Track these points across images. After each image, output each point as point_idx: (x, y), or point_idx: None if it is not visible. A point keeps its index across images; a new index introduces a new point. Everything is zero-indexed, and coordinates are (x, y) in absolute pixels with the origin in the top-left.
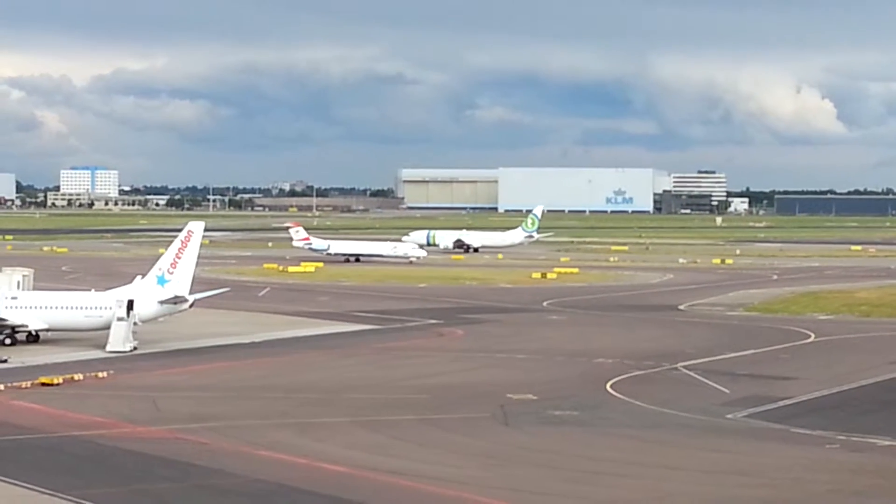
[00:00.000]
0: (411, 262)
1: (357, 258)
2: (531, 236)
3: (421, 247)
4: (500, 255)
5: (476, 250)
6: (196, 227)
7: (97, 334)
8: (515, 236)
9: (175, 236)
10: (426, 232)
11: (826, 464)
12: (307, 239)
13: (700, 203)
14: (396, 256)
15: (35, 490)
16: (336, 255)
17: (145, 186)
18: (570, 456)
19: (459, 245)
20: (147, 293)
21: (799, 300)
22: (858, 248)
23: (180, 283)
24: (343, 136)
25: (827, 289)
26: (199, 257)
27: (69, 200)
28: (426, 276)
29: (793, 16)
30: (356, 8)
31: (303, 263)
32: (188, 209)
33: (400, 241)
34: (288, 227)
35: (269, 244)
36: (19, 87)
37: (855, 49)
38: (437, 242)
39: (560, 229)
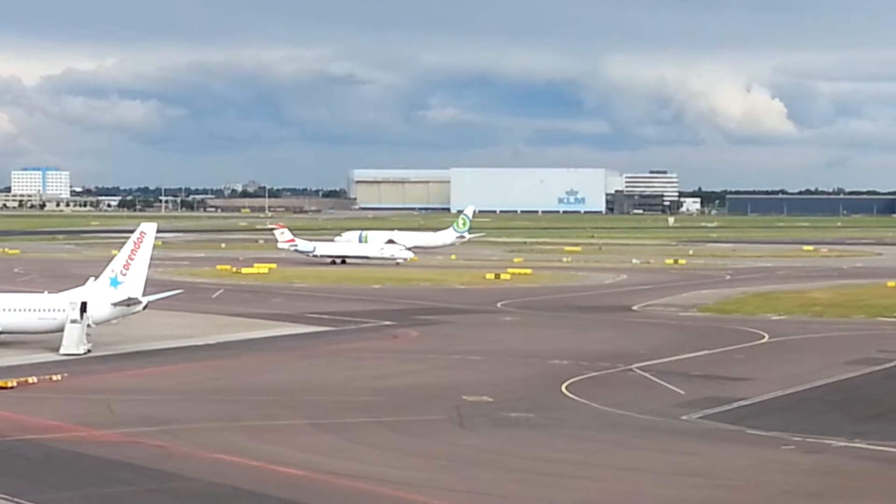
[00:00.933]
0: (398, 264)
1: (343, 260)
2: (462, 236)
3: None
4: (453, 256)
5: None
6: (148, 229)
7: (51, 337)
8: (447, 237)
9: (127, 238)
10: (358, 233)
11: (781, 465)
12: (292, 240)
13: (652, 203)
14: (383, 258)
15: None
16: (322, 256)
17: (97, 187)
18: (525, 458)
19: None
20: (100, 295)
21: (752, 300)
22: (810, 248)
23: (133, 285)
24: (295, 137)
25: (780, 289)
26: (151, 259)
27: (20, 202)
28: (380, 277)
29: (743, 16)
30: (307, 8)
31: (256, 265)
32: (140, 210)
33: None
34: (273, 229)
35: (223, 245)
36: None
37: (805, 49)
38: (368, 242)
39: (512, 230)
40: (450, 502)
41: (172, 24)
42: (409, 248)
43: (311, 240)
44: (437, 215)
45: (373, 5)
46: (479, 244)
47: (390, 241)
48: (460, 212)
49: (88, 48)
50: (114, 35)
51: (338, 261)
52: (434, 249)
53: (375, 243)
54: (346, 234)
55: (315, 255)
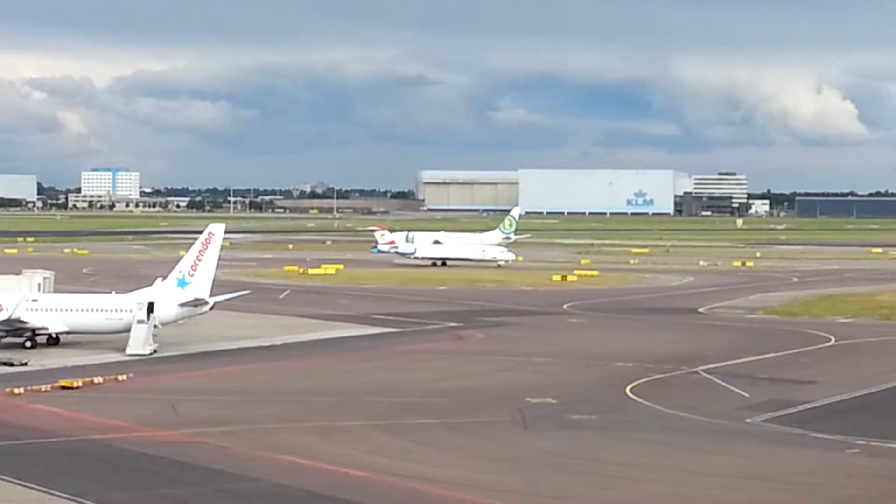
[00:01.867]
0: (499, 266)
1: (444, 262)
2: (508, 238)
3: None
4: (520, 258)
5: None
6: (216, 229)
7: (117, 337)
8: (493, 238)
9: (195, 238)
10: (405, 233)
11: (845, 468)
12: (393, 242)
13: (721, 205)
14: (485, 260)
15: (54, 495)
16: (423, 258)
17: (166, 188)
18: (589, 460)
19: None
20: (167, 296)
21: (819, 303)
22: (879, 250)
23: (200, 286)
24: (363, 138)
25: (847, 292)
26: (219, 259)
27: (90, 202)
28: (446, 278)
29: (813, 16)
30: (376, 9)
31: (323, 266)
32: (209, 211)
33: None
34: (374, 231)
35: (290, 246)
36: (40, 88)
37: (876, 50)
38: (414, 243)
39: (581, 231)
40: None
41: (242, 26)
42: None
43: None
44: (506, 216)
45: (441, 7)
46: (547, 246)
47: (436, 242)
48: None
49: (159, 49)
50: (185, 36)
51: (438, 263)
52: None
53: (424, 243)
54: (376, 235)
55: (416, 258)
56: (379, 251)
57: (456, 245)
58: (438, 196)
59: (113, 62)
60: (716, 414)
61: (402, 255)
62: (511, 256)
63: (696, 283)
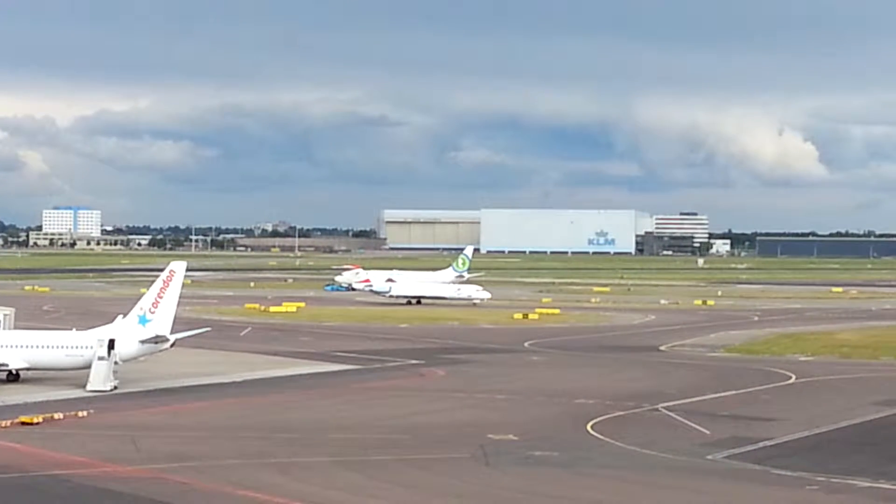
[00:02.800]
0: (475, 305)
1: (419, 300)
2: (462, 276)
3: (352, 288)
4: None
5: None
6: (178, 267)
7: (78, 373)
8: (446, 276)
9: (157, 276)
10: (357, 272)
11: None
12: (367, 280)
13: (682, 245)
14: (460, 299)
15: None
16: (397, 297)
17: (127, 226)
18: (550, 497)
19: None
20: (128, 332)
21: (780, 341)
22: (840, 290)
23: (162, 323)
24: (326, 178)
25: (808, 330)
26: (180, 297)
27: (51, 240)
28: (408, 316)
29: (775, 60)
30: (339, 50)
31: (284, 303)
32: (170, 249)
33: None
34: (348, 269)
35: (252, 284)
36: (2, 127)
37: (837, 92)
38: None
39: (542, 270)
40: None
41: (205, 66)
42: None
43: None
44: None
45: (405, 48)
46: (508, 285)
47: (390, 280)
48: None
49: (122, 89)
50: (147, 76)
51: (413, 301)
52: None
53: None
54: (346, 274)
55: (390, 296)
56: (335, 289)
57: (431, 284)
58: (400, 235)
59: (75, 102)
60: (677, 451)
61: (378, 293)
62: (487, 295)
63: (657, 321)
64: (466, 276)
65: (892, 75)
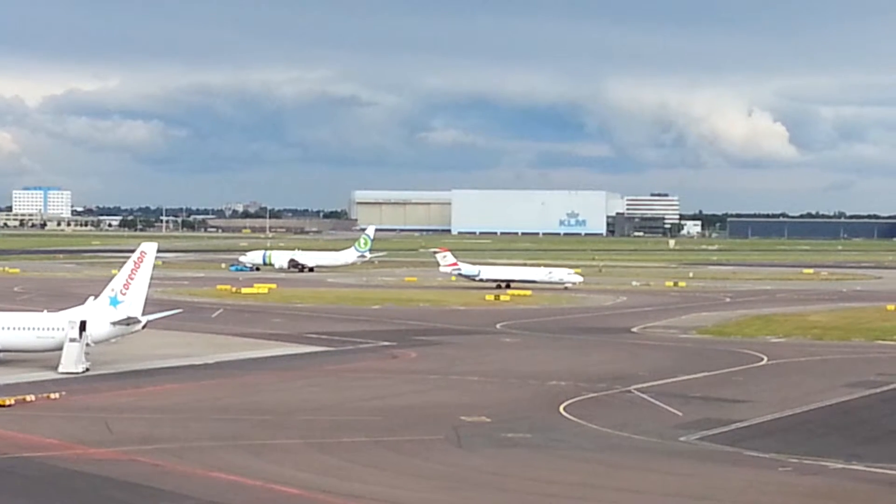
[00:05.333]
0: (566, 289)
1: (508, 284)
2: (364, 256)
3: (257, 267)
4: (453, 277)
5: (311, 269)
6: (149, 249)
7: (49, 355)
8: (348, 256)
9: (128, 257)
10: (262, 252)
11: (778, 486)
12: (455, 264)
13: (653, 226)
14: (551, 283)
15: None
16: (487, 280)
17: (98, 207)
18: (522, 479)
19: (294, 264)
20: (100, 314)
21: (752, 323)
22: (810, 271)
23: (133, 305)
24: (297, 158)
25: (779, 312)
26: (151, 278)
27: (21, 221)
28: (380, 297)
29: (745, 40)
30: (310, 30)
31: (256, 285)
32: (141, 230)
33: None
34: (435, 253)
35: (223, 265)
36: None
37: (807, 73)
38: (272, 262)
39: (513, 251)
40: None
41: (175, 46)
42: (312, 268)
43: (472, 263)
44: (438, 237)
45: (375, 28)
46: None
47: (293, 261)
48: (362, 230)
49: (91, 69)
50: (117, 56)
51: (503, 285)
52: (336, 268)
53: (278, 262)
54: (250, 254)
55: (480, 279)
56: (239, 269)
57: (519, 268)
58: (371, 216)
59: (44, 81)
60: (649, 432)
61: (466, 276)
62: (579, 279)
63: (628, 302)
64: (368, 255)
65: (861, 56)
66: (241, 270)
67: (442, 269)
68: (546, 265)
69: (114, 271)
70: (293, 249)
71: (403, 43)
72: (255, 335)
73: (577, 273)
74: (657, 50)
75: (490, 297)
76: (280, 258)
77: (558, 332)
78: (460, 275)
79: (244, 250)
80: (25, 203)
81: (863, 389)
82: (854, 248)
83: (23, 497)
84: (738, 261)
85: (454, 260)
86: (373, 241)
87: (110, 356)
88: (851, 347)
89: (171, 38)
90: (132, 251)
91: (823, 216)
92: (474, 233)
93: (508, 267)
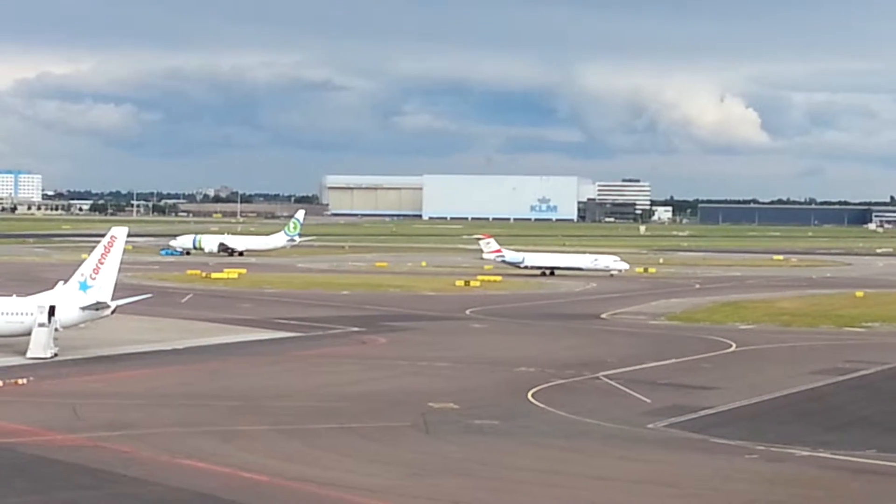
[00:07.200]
0: (612, 276)
1: (552, 271)
2: (293, 240)
3: (187, 251)
4: (423, 263)
5: (241, 254)
6: (119, 233)
7: (17, 340)
8: (278, 240)
9: (98, 242)
10: (192, 236)
11: (745, 474)
12: (499, 251)
13: (624, 211)
14: (596, 270)
15: None
16: (531, 268)
17: (69, 191)
18: (490, 465)
19: (224, 249)
20: (69, 299)
21: (721, 310)
22: (780, 258)
23: (103, 289)
24: (268, 142)
25: (749, 298)
26: (122, 263)
27: None
28: (349, 283)
29: (716, 26)
30: (282, 14)
31: (226, 270)
32: (112, 214)
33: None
34: (478, 239)
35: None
36: None
37: (779, 59)
38: (202, 246)
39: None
40: None
41: (147, 29)
42: (242, 252)
43: (515, 251)
44: (410, 222)
45: (348, 12)
46: (452, 252)
47: (222, 245)
48: (292, 216)
49: (63, 52)
50: (88, 39)
51: (547, 272)
52: (266, 252)
53: (208, 246)
54: (180, 238)
55: (524, 266)
56: (169, 253)
57: (561, 255)
58: (342, 201)
59: (15, 64)
60: (618, 419)
61: (510, 263)
62: (625, 266)
63: (598, 288)
64: (298, 240)
65: (833, 42)
66: (172, 254)
67: (485, 255)
68: (591, 252)
69: (84, 256)
70: (223, 234)
71: (377, 28)
72: (225, 320)
73: (622, 261)
74: (629, 35)
75: (460, 282)
76: (210, 242)
77: (527, 318)
78: (504, 261)
79: (214, 234)
80: None
81: (831, 376)
82: (824, 235)
83: None
84: (708, 247)
85: (498, 246)
86: (302, 224)
87: (79, 341)
88: (820, 334)
89: (145, 21)
90: (102, 236)
91: (794, 203)
92: (445, 218)
93: (553, 254)
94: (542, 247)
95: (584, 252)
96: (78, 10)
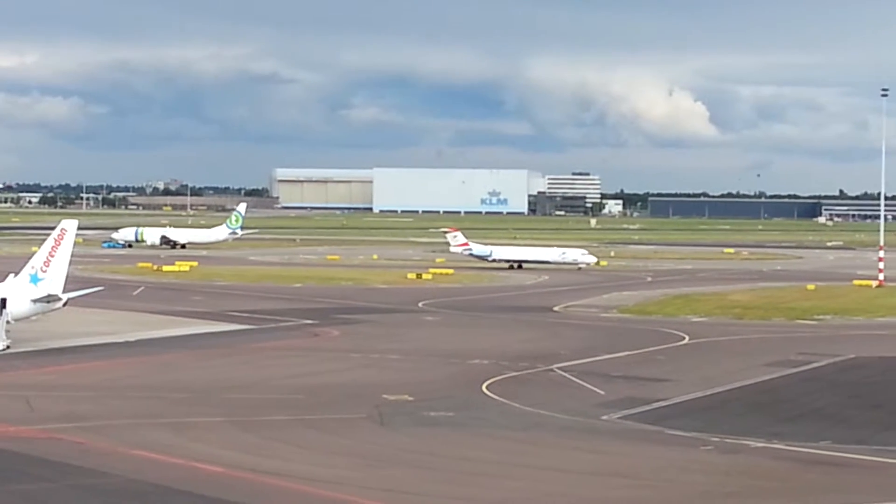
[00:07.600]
0: (580, 269)
1: (520, 265)
2: (235, 233)
3: (129, 244)
4: (374, 256)
5: (183, 246)
6: (69, 226)
7: None
8: (220, 233)
9: (48, 234)
10: (134, 229)
11: (700, 465)
12: (466, 244)
13: (574, 205)
14: (565, 263)
15: None
16: (499, 261)
17: (17, 184)
18: (446, 457)
19: (166, 241)
20: (20, 291)
21: (673, 302)
22: (731, 250)
23: (54, 282)
24: (217, 135)
25: (700, 291)
26: (72, 256)
27: None
28: (301, 276)
29: (664, 18)
30: (229, 6)
31: (177, 262)
32: (61, 207)
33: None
34: (445, 232)
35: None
36: None
37: (726, 52)
38: (144, 239)
39: (435, 230)
40: (369, 500)
41: (94, 21)
42: (184, 244)
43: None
44: (360, 215)
45: (295, 5)
46: (403, 245)
47: (164, 238)
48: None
49: (9, 44)
50: (34, 31)
51: (515, 266)
52: (208, 245)
53: (150, 239)
54: (122, 231)
55: (492, 260)
56: (112, 245)
57: (532, 249)
58: (292, 194)
59: None
60: (572, 411)
61: (478, 257)
62: (592, 259)
63: (550, 281)
64: (240, 232)
65: (780, 36)
66: (114, 247)
67: (452, 248)
68: (554, 245)
69: (34, 248)
70: (212, 227)
71: (323, 20)
72: (177, 313)
73: (590, 255)
74: (577, 28)
75: (412, 275)
76: (152, 235)
77: (480, 310)
78: (471, 255)
79: (165, 227)
80: None
81: (783, 369)
82: (774, 228)
83: None
84: (659, 240)
85: (465, 240)
86: (244, 217)
87: (31, 333)
88: (772, 327)
89: (90, 13)
90: (52, 228)
91: (744, 196)
92: (396, 211)
93: (521, 248)
94: (494, 240)
95: (546, 245)
96: (23, 2)
